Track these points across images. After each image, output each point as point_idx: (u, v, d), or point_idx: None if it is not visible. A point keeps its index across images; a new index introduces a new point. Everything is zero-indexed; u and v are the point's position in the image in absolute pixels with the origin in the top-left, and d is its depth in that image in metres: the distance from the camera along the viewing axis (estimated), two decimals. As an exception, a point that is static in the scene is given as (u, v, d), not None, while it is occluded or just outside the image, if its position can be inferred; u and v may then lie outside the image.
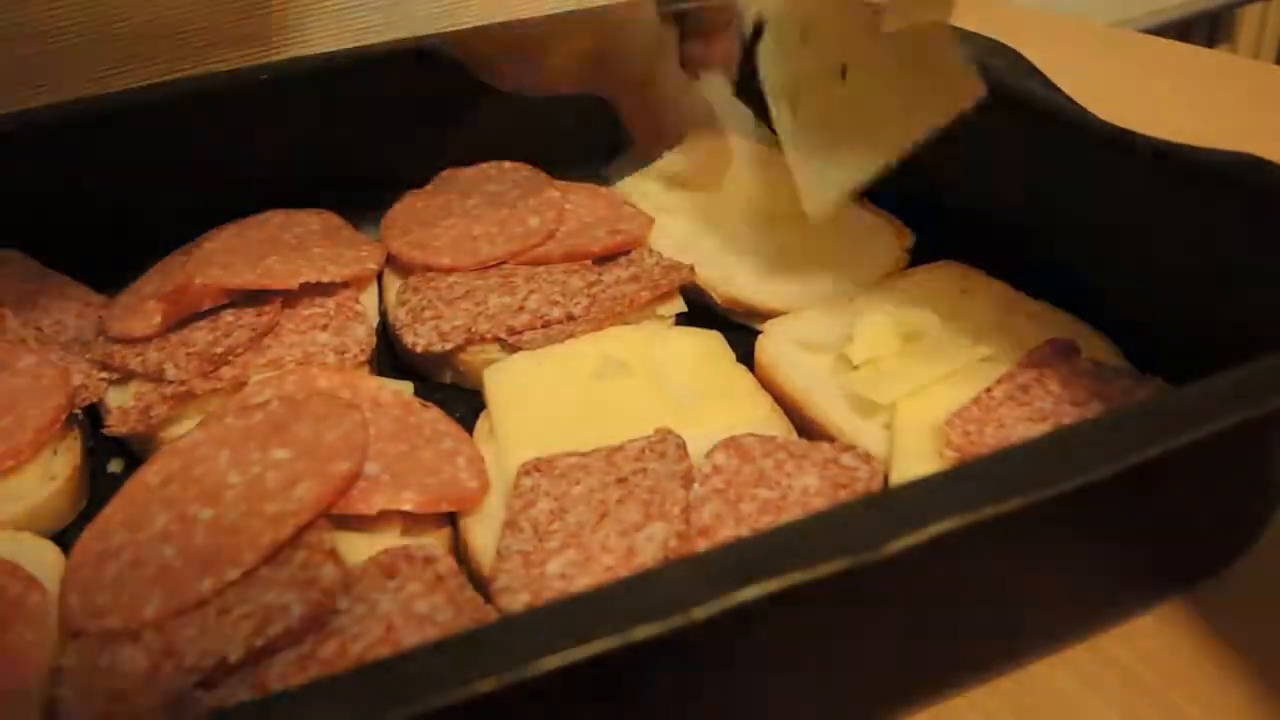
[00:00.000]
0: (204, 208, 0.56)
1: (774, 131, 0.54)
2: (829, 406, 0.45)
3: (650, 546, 0.36)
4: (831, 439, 0.43)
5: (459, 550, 0.41)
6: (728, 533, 0.38)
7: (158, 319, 0.49)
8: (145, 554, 0.37)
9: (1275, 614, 0.38)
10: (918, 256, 0.54)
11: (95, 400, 0.48)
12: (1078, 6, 1.11)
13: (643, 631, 0.25)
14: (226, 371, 0.47)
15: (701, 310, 0.54)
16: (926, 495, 0.28)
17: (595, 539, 0.37)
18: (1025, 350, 0.45)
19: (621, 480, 0.40)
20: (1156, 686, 0.36)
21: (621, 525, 0.38)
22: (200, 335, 0.49)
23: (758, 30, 0.53)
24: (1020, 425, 0.41)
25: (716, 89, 0.60)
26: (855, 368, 0.46)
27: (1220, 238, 0.42)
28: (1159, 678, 0.36)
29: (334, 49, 0.59)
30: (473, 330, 0.49)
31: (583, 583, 0.36)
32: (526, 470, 0.41)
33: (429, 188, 0.60)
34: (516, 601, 0.36)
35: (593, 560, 0.36)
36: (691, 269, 0.53)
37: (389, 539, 0.39)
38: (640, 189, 0.62)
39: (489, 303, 0.51)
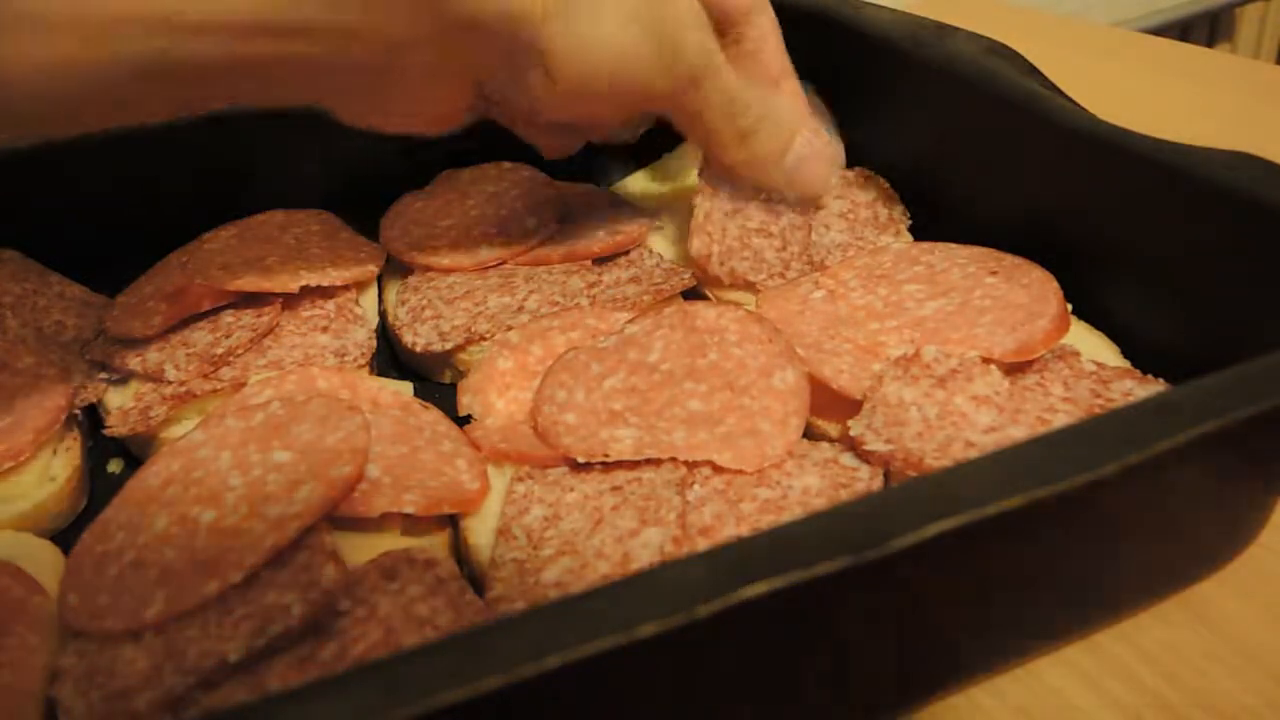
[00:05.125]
0: (204, 208, 0.56)
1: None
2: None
3: (646, 553, 0.36)
4: (831, 439, 0.43)
5: (460, 551, 0.41)
6: (728, 532, 0.38)
7: (158, 319, 0.49)
8: (147, 555, 0.37)
9: (1275, 612, 0.38)
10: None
11: (95, 400, 0.48)
12: (1078, 6, 1.11)
13: (646, 630, 0.25)
14: (226, 372, 0.47)
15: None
16: (926, 495, 0.28)
17: (590, 545, 0.37)
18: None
19: (616, 488, 0.39)
20: (1156, 686, 0.36)
21: (617, 532, 0.37)
22: (200, 336, 0.49)
23: None
24: (1021, 427, 0.41)
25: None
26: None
27: (1220, 238, 0.42)
28: (1159, 677, 0.36)
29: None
30: (472, 330, 0.49)
31: (578, 590, 0.35)
32: (520, 477, 0.41)
33: (429, 188, 0.60)
34: (513, 610, 0.35)
35: (588, 567, 0.36)
36: (692, 275, 0.53)
37: (389, 540, 0.39)
38: (640, 189, 0.62)
39: (489, 303, 0.51)
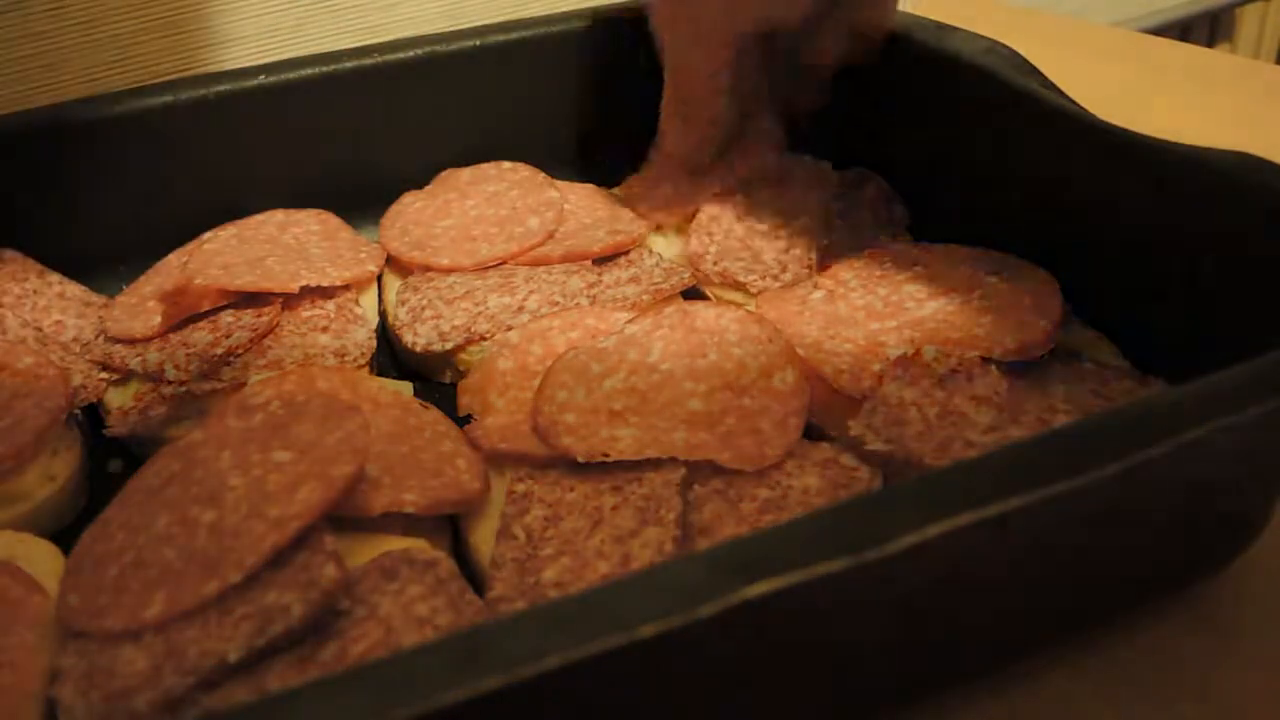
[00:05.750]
0: (204, 208, 0.56)
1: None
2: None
3: (646, 553, 0.36)
4: (831, 438, 0.43)
5: (460, 551, 0.41)
6: (728, 532, 0.38)
7: (158, 319, 0.49)
8: (147, 555, 0.37)
9: (1275, 613, 0.38)
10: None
11: (95, 400, 0.48)
12: (1078, 6, 1.11)
13: (646, 630, 0.25)
14: (226, 372, 0.47)
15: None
16: (926, 495, 0.28)
17: (590, 545, 0.37)
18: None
19: (616, 488, 0.39)
20: (1156, 686, 0.36)
21: (617, 531, 0.37)
22: (200, 336, 0.49)
23: None
24: (1021, 427, 0.41)
25: None
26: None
27: (1220, 238, 0.42)
28: (1159, 677, 0.36)
29: (334, 49, 0.59)
30: (473, 330, 0.49)
31: (578, 590, 0.35)
32: (520, 477, 0.41)
33: (429, 188, 0.60)
34: (513, 610, 0.35)
35: (588, 567, 0.36)
36: (691, 275, 0.53)
37: (389, 540, 0.39)
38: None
39: (489, 303, 0.51)
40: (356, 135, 0.59)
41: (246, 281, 0.50)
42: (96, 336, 0.51)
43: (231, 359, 0.48)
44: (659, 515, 0.38)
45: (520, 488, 0.41)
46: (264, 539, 0.36)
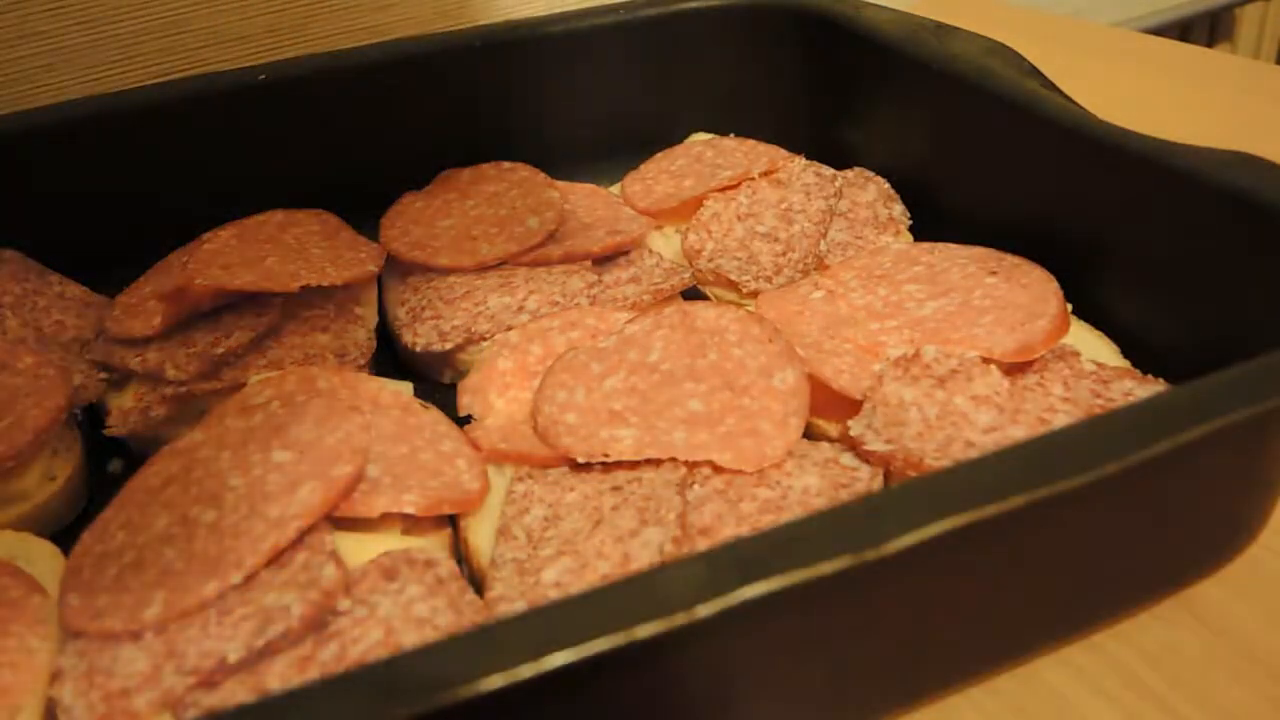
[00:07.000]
0: (204, 208, 0.56)
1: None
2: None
3: (646, 552, 0.36)
4: (831, 438, 0.43)
5: (460, 551, 0.41)
6: (728, 532, 0.38)
7: (158, 320, 0.49)
8: (146, 556, 0.37)
9: (1275, 612, 0.38)
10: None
11: (95, 400, 0.48)
12: (1078, 6, 1.11)
13: (646, 630, 0.25)
14: (226, 372, 0.47)
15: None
16: (926, 495, 0.28)
17: (590, 545, 0.37)
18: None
19: (616, 488, 0.39)
20: (1156, 686, 0.36)
21: (617, 531, 0.37)
22: (200, 336, 0.49)
23: None
24: (1021, 427, 0.41)
25: None
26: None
27: (1219, 238, 0.42)
28: (1159, 677, 0.36)
29: (334, 49, 0.60)
30: (472, 330, 0.49)
31: (578, 590, 0.35)
32: (520, 477, 0.41)
33: (429, 188, 0.60)
34: (513, 610, 0.36)
35: (588, 567, 0.36)
36: (692, 275, 0.53)
37: (389, 540, 0.39)
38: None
39: (489, 303, 0.51)
40: (356, 135, 0.59)
41: (246, 281, 0.50)
42: (96, 336, 0.51)
43: (231, 359, 0.48)
44: (659, 515, 0.38)
45: (520, 488, 0.41)
46: (264, 539, 0.36)
